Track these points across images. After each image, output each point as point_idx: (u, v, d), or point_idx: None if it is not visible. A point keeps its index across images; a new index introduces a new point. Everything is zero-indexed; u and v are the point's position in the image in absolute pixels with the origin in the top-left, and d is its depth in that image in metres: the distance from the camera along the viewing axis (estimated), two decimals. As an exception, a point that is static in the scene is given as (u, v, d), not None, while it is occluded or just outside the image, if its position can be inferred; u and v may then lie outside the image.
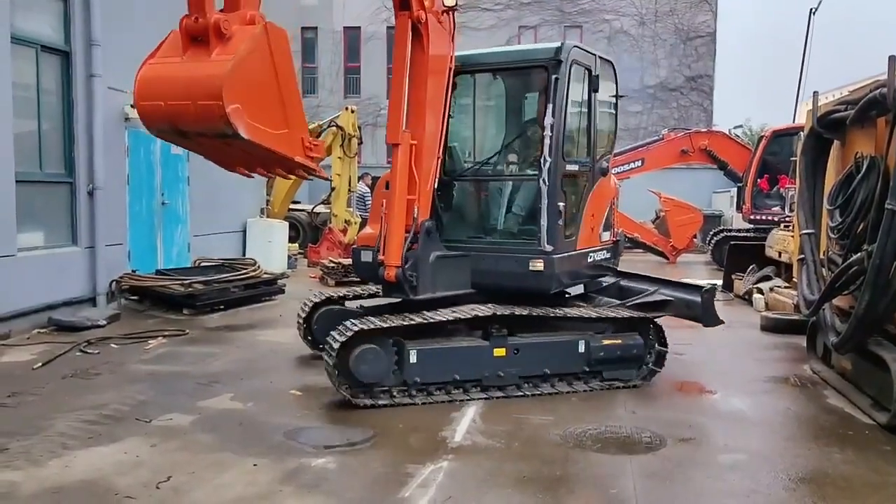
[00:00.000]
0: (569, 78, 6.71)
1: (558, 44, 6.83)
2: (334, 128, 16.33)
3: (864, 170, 5.85)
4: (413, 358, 6.20)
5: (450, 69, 6.64)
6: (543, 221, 6.60)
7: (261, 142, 4.74)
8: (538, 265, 6.62)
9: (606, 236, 7.75)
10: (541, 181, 6.59)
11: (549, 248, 6.61)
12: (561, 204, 6.68)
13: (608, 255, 7.78)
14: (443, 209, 7.21)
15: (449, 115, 6.91)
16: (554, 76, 6.64)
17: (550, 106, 6.61)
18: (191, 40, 4.66)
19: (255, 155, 5.06)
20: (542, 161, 6.60)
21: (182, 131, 4.84)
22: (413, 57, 6.34)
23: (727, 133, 19.93)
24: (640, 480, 4.69)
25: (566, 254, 6.87)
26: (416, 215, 6.37)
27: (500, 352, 6.46)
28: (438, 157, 6.65)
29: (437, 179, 6.71)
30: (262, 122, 4.70)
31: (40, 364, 7.30)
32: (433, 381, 6.31)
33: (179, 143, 5.36)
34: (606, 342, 6.73)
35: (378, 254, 6.37)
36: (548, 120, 6.60)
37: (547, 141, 6.58)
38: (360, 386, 6.08)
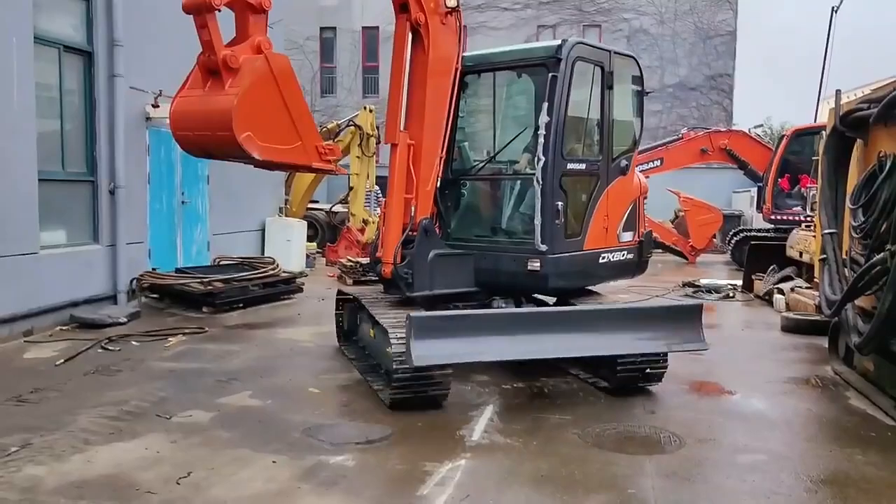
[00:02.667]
0: (570, 76, 6.63)
1: (559, 41, 6.78)
2: (353, 127, 16.38)
3: (887, 169, 5.77)
4: (358, 321, 7.46)
5: (456, 70, 6.65)
6: (538, 221, 6.56)
7: (275, 159, 5.38)
8: (535, 265, 6.60)
9: (628, 236, 7.63)
10: (535, 180, 6.56)
11: (543, 247, 6.56)
12: (559, 203, 6.62)
13: (629, 256, 7.67)
14: (450, 208, 7.23)
15: (457, 115, 6.90)
16: (552, 74, 6.59)
17: (546, 104, 6.56)
18: (208, 74, 5.24)
19: (277, 165, 5.73)
20: (535, 160, 6.56)
21: (212, 153, 5.57)
22: (413, 58, 6.40)
23: (747, 132, 19.74)
24: (658, 480, 4.66)
25: (566, 254, 6.79)
26: (413, 214, 6.44)
27: (371, 332, 6.73)
28: (441, 157, 6.66)
29: (440, 178, 6.73)
30: (274, 142, 5.29)
31: (62, 360, 7.39)
32: (363, 345, 7.31)
33: (215, 159, 6.02)
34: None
35: (377, 251, 6.62)
36: (542, 118, 6.54)
37: (541, 140, 6.52)
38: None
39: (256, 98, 5.16)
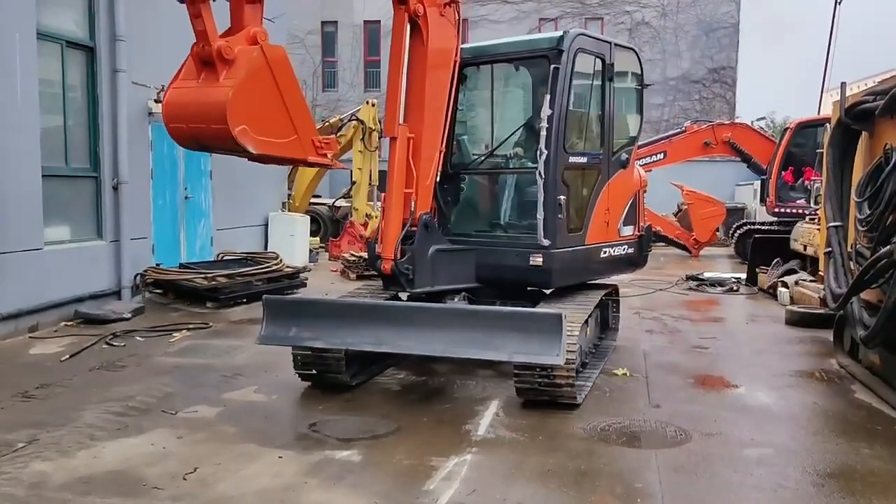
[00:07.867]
0: (571, 68, 6.56)
1: (561, 33, 6.70)
2: (355, 122, 16.38)
3: (893, 161, 5.75)
4: None
5: (455, 62, 6.58)
6: (540, 215, 6.47)
7: (271, 152, 5.25)
8: (538, 260, 6.53)
9: (628, 231, 7.61)
10: (537, 174, 6.46)
11: (546, 242, 6.47)
12: (562, 197, 6.54)
13: (630, 251, 7.66)
14: (449, 202, 7.17)
15: (456, 108, 6.84)
16: (554, 66, 6.51)
17: (549, 97, 6.46)
18: (202, 65, 5.11)
19: (273, 159, 5.58)
20: (538, 153, 6.47)
21: (207, 146, 5.42)
22: (412, 51, 6.29)
23: (750, 125, 19.68)
24: (665, 474, 4.66)
25: (568, 248, 6.74)
26: (413, 209, 6.36)
27: None
28: (441, 151, 6.58)
29: (440, 172, 6.65)
30: (270, 135, 5.17)
31: (68, 356, 7.40)
32: None
33: (210, 152, 5.87)
34: None
35: (377, 247, 6.44)
36: (545, 111, 6.42)
37: (543, 133, 6.42)
38: None
39: (252, 90, 5.05)
